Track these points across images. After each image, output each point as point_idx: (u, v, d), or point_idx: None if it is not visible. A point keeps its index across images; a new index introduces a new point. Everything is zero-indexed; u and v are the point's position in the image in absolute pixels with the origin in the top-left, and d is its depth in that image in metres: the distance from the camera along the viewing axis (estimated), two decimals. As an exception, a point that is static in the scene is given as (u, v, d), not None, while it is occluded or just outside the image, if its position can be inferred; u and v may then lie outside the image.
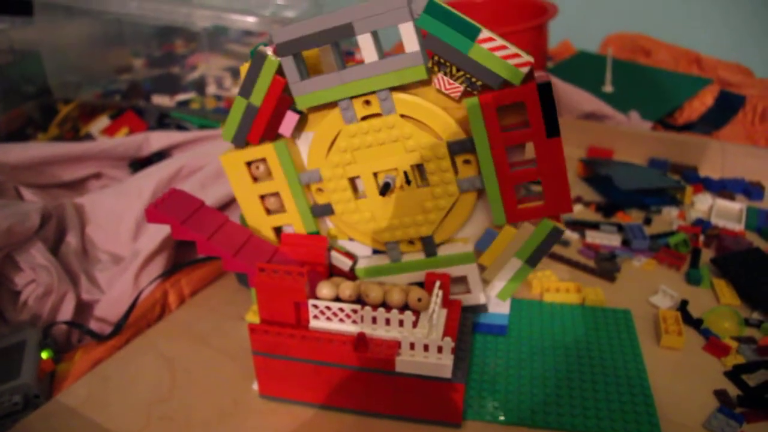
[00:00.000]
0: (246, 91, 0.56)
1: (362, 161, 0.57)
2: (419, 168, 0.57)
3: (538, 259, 0.58)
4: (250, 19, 1.09)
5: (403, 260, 0.61)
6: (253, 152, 0.59)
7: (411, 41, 0.51)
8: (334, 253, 0.62)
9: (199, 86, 1.22)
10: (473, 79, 0.51)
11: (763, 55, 1.42)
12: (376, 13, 0.51)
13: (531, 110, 0.51)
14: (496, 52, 0.50)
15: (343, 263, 0.62)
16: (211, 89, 1.21)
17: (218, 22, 1.10)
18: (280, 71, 0.55)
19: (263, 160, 0.60)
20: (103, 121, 1.18)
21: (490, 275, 0.62)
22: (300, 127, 0.59)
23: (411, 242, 0.61)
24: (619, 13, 1.61)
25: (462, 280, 0.62)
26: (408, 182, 0.56)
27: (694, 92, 1.24)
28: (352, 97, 0.55)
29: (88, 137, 1.16)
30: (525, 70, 0.49)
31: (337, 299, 0.59)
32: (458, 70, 0.51)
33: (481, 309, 0.64)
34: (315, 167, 0.59)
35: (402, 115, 0.55)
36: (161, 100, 1.21)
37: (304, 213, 0.61)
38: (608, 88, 1.30)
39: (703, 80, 1.27)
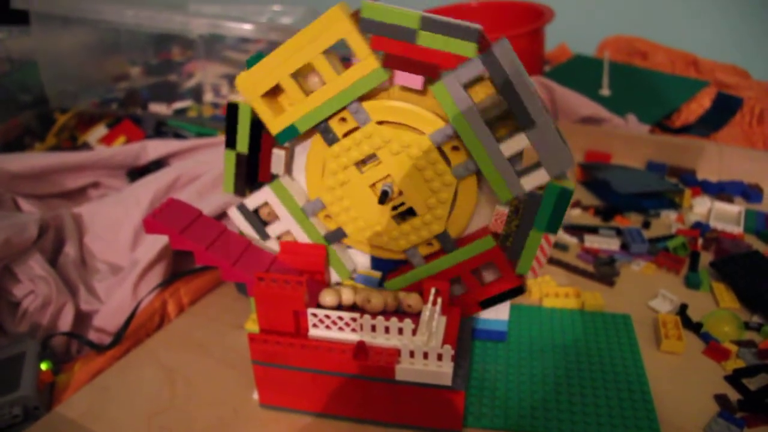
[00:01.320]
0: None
1: (356, 177, 0.57)
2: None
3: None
4: (247, 27, 1.09)
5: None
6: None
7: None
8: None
9: (196, 94, 1.22)
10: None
11: (760, 57, 1.42)
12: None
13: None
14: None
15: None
16: (208, 97, 1.21)
17: (214, 30, 1.10)
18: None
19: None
20: (101, 130, 1.18)
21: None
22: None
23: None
24: (615, 16, 1.61)
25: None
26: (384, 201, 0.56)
27: (691, 95, 1.24)
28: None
29: (86, 146, 1.16)
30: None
31: (340, 306, 0.59)
32: None
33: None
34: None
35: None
36: (158, 109, 1.21)
37: (313, 117, 0.57)
38: (605, 91, 1.30)
39: (701, 82, 1.28)
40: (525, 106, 0.50)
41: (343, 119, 0.55)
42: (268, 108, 0.56)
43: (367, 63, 0.52)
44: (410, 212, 0.58)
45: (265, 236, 0.63)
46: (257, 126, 0.58)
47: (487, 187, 0.57)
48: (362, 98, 0.54)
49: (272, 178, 0.61)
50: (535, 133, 0.51)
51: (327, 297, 0.58)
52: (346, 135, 0.56)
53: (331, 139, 0.56)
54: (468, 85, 0.51)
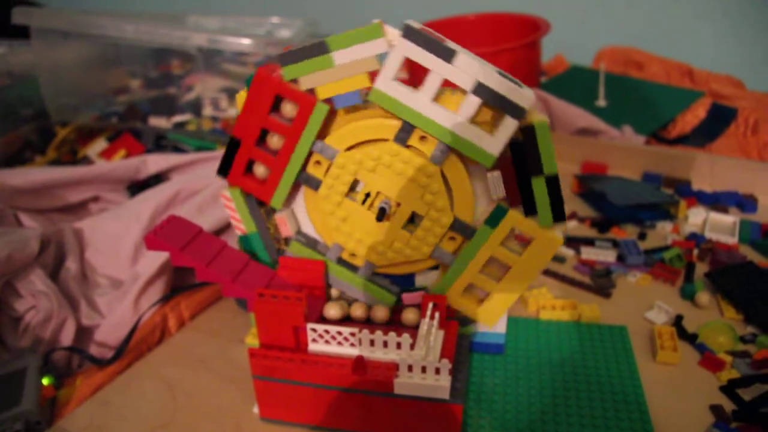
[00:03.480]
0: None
1: (351, 208, 0.59)
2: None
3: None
4: (245, 41, 1.10)
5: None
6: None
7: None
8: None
9: (196, 108, 1.23)
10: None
11: (754, 67, 1.43)
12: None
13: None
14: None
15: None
16: (208, 111, 1.22)
17: (213, 45, 1.11)
18: None
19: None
20: (101, 144, 1.19)
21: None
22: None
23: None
24: (611, 27, 1.63)
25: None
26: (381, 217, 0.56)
27: (686, 105, 1.25)
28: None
29: (86, 160, 1.16)
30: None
31: (348, 318, 0.61)
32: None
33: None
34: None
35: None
36: (158, 122, 1.22)
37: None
38: (601, 102, 1.31)
39: (696, 93, 1.29)
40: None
41: (318, 162, 0.58)
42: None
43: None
44: (413, 220, 0.59)
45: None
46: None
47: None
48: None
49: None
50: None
51: (331, 310, 0.60)
52: (409, 146, 0.56)
53: (401, 138, 0.56)
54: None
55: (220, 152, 1.03)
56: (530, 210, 0.56)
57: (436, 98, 0.54)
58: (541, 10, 1.37)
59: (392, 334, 0.55)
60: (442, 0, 1.58)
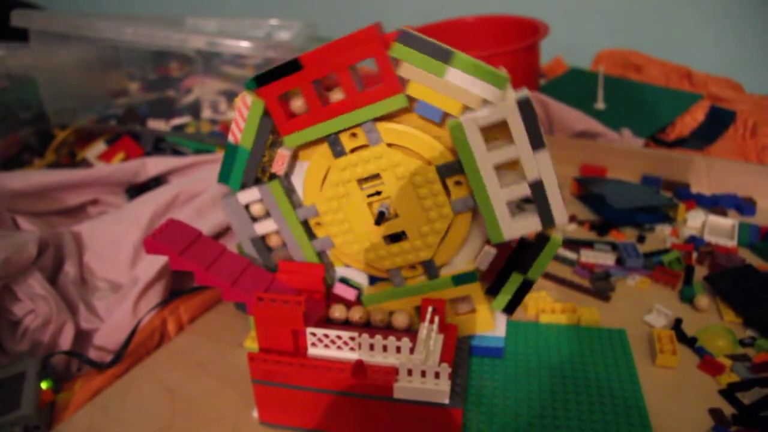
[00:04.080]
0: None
1: (355, 192, 0.58)
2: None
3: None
4: (244, 44, 1.10)
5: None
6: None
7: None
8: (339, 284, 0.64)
9: (195, 110, 1.23)
10: (269, 142, 0.56)
11: (753, 70, 1.43)
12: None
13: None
14: (241, 128, 0.55)
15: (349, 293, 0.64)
16: (207, 113, 1.22)
17: (212, 48, 1.11)
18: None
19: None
20: (100, 147, 1.19)
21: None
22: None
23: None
24: (609, 29, 1.63)
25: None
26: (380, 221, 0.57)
27: (685, 108, 1.25)
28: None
29: (85, 162, 1.16)
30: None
31: (347, 322, 0.62)
32: (264, 157, 0.57)
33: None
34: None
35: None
36: (157, 125, 1.22)
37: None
38: (600, 104, 1.31)
39: (694, 96, 1.29)
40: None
41: (354, 134, 0.57)
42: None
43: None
44: (399, 236, 0.60)
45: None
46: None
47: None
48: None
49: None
50: (537, 187, 0.53)
51: (336, 312, 0.61)
52: (353, 150, 0.57)
53: (339, 151, 0.56)
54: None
55: (219, 155, 1.04)
56: (492, 291, 0.61)
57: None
58: (540, 13, 1.37)
59: (392, 338, 0.55)
60: (440, 2, 1.59)
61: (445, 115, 0.54)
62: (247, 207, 0.62)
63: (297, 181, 0.62)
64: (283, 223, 0.62)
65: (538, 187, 0.53)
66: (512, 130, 0.52)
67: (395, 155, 0.56)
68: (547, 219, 0.55)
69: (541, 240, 0.56)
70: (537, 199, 0.54)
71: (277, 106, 0.56)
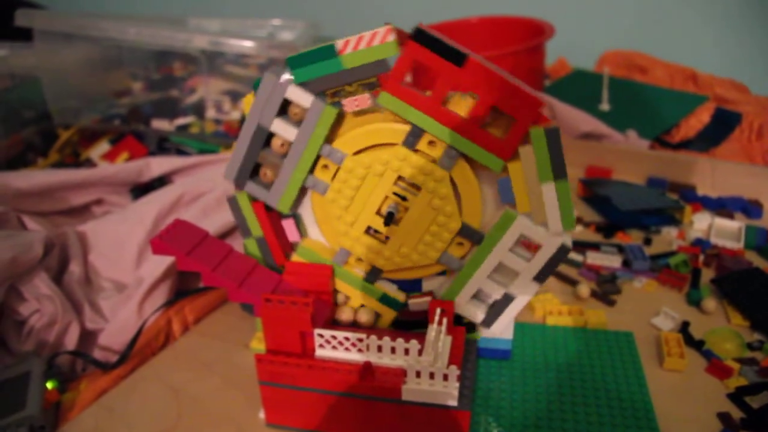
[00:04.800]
0: (246, 232, 0.62)
1: (387, 182, 0.57)
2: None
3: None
4: (247, 44, 1.10)
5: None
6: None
7: (302, 98, 0.55)
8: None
9: (198, 110, 1.23)
10: (367, 81, 0.54)
11: (758, 72, 1.43)
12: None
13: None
14: (359, 47, 0.52)
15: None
16: (211, 113, 1.22)
17: (216, 48, 1.11)
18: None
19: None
20: (103, 146, 1.19)
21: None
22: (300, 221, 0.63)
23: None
24: (614, 30, 1.62)
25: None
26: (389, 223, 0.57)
27: (690, 110, 1.25)
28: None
29: (88, 162, 1.16)
30: (392, 36, 0.51)
31: (354, 323, 0.62)
32: (350, 86, 0.54)
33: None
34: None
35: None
36: (161, 125, 1.22)
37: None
38: (605, 106, 1.31)
39: (700, 97, 1.28)
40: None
41: (325, 166, 0.57)
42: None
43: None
44: (379, 233, 0.60)
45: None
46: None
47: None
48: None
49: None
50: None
51: (343, 315, 0.62)
52: (417, 150, 0.56)
53: (410, 142, 0.56)
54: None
55: (223, 155, 1.04)
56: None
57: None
58: (544, 13, 1.37)
59: (400, 340, 0.55)
60: (445, 3, 1.59)
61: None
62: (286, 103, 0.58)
63: (314, 233, 0.64)
64: (302, 143, 0.57)
65: (506, 300, 0.60)
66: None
67: (364, 158, 0.56)
68: (486, 322, 0.62)
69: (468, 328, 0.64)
70: (496, 306, 0.61)
71: (407, 63, 0.53)
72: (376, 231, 0.59)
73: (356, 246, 0.60)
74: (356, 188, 0.57)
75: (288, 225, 0.62)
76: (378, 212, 0.58)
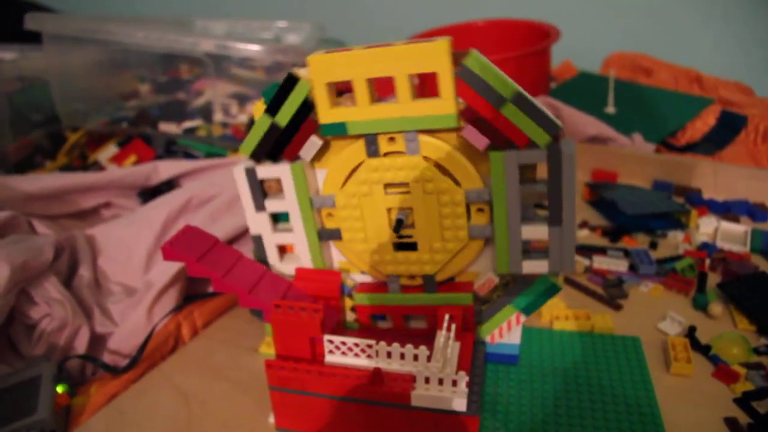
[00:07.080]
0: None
1: (379, 195, 0.58)
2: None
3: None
4: (254, 48, 1.10)
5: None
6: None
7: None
8: None
9: (206, 113, 1.23)
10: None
11: (763, 74, 1.43)
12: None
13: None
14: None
15: None
16: (218, 117, 1.22)
17: (222, 51, 1.11)
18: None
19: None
20: (111, 149, 1.20)
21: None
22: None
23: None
24: (619, 33, 1.62)
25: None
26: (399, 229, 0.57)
27: (696, 112, 1.25)
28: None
29: (96, 165, 1.17)
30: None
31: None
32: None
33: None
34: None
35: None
36: (168, 128, 1.22)
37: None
38: (611, 109, 1.31)
39: (705, 100, 1.28)
40: (561, 206, 0.54)
41: (392, 139, 0.56)
42: (328, 96, 0.55)
43: (445, 104, 0.53)
44: (409, 245, 0.60)
45: (260, 207, 0.63)
46: (305, 107, 0.56)
47: (488, 253, 0.60)
48: (422, 130, 0.55)
49: (295, 159, 0.60)
50: (557, 231, 0.55)
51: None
52: (386, 154, 0.57)
53: (372, 151, 0.56)
54: (522, 167, 0.54)
55: (231, 159, 1.04)
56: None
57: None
58: (549, 16, 1.37)
59: (409, 346, 0.55)
60: (451, 6, 1.59)
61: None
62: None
63: (319, 171, 0.61)
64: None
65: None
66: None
67: (429, 170, 0.56)
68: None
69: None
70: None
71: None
72: (404, 246, 0.60)
73: (396, 266, 0.61)
74: (360, 217, 0.59)
75: (312, 144, 0.59)
76: (392, 227, 0.59)
